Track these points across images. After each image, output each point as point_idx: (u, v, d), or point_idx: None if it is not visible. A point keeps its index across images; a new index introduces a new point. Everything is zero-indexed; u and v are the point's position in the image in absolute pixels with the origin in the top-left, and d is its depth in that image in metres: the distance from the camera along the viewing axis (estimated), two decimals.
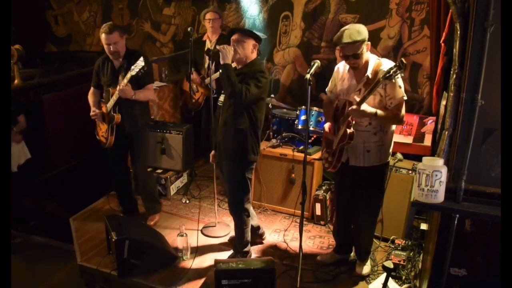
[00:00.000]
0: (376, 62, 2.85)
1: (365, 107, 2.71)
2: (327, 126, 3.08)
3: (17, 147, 4.24)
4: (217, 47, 2.99)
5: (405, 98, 2.82)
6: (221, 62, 2.94)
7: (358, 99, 2.72)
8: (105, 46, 3.55)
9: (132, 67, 3.42)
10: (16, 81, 4.65)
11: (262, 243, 3.69)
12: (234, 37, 3.02)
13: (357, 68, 2.84)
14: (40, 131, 4.73)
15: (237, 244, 3.41)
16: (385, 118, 2.80)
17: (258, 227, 3.63)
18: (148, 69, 3.61)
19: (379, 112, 2.75)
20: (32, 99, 4.72)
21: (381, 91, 2.80)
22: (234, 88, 2.89)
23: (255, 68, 3.03)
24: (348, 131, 2.83)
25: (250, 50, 3.03)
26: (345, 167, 3.04)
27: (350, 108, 2.72)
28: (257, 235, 3.64)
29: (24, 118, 4.27)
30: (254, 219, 3.54)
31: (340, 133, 2.92)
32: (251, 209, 3.40)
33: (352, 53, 2.76)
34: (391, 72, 2.54)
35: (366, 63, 2.85)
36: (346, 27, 2.78)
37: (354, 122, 2.86)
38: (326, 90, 3.19)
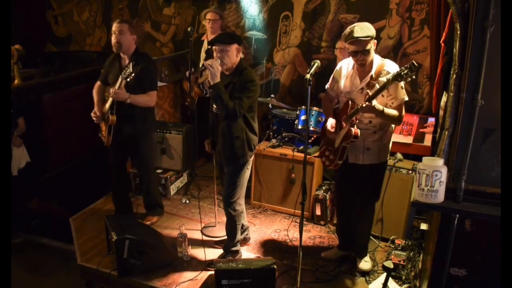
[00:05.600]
0: (380, 63, 2.87)
1: (375, 102, 2.73)
2: (330, 124, 3.07)
3: (17, 150, 4.22)
4: (205, 63, 2.95)
5: (406, 99, 2.84)
6: (211, 82, 2.91)
7: (370, 93, 2.73)
8: (112, 37, 3.52)
9: (123, 71, 3.37)
10: (16, 81, 4.64)
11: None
12: (216, 47, 2.97)
13: (365, 65, 2.85)
14: (40, 131, 4.72)
15: (228, 242, 3.41)
16: (389, 116, 2.82)
17: (247, 228, 3.65)
18: (150, 75, 3.56)
19: (386, 109, 2.78)
20: (32, 99, 4.71)
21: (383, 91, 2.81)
22: (228, 109, 2.92)
23: (244, 78, 3.01)
24: (353, 130, 2.85)
25: (235, 55, 3.01)
26: (345, 165, 3.06)
27: (363, 104, 2.71)
28: (242, 239, 3.61)
29: (24, 121, 4.27)
30: (245, 219, 3.55)
31: (343, 132, 2.93)
32: (243, 207, 3.40)
33: (362, 49, 2.76)
34: (403, 74, 2.53)
35: (371, 62, 2.87)
36: (354, 24, 2.79)
37: (357, 121, 2.87)
38: (326, 87, 3.20)
